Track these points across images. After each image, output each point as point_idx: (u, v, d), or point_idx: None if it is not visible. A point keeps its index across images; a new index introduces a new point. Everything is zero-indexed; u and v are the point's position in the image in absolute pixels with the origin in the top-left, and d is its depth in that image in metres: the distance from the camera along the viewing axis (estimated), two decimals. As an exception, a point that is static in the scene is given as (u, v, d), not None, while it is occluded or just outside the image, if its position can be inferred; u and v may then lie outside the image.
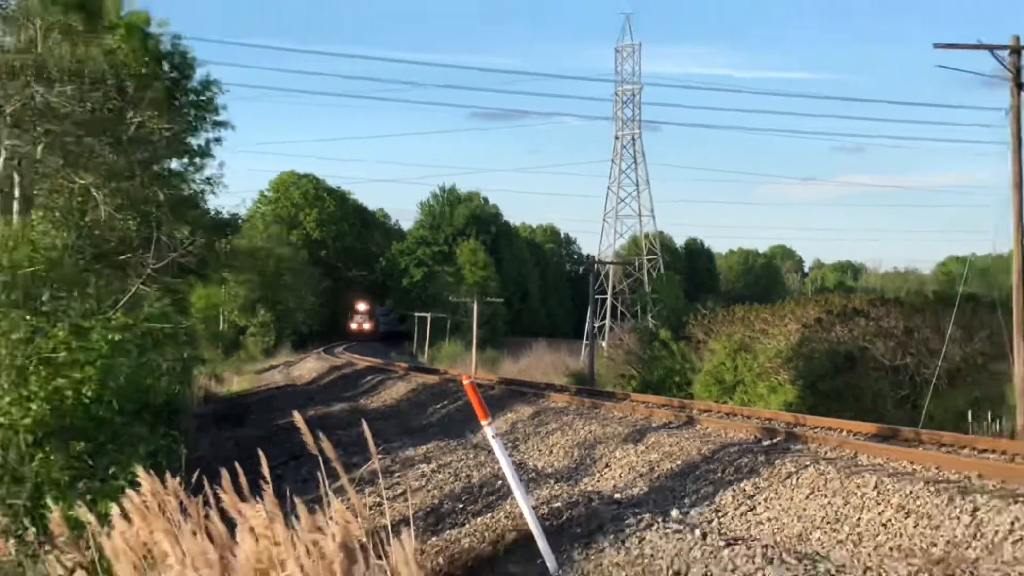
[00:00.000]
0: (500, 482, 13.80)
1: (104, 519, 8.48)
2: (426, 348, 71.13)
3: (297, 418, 9.46)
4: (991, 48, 18.22)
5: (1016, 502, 10.57)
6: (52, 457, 11.65)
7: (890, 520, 10.99)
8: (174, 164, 25.97)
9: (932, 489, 11.75)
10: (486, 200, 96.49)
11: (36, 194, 18.70)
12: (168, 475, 8.52)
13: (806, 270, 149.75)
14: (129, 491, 8.27)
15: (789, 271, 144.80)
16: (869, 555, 10.53)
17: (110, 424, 13.18)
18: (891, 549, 10.59)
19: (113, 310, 14.30)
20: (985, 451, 15.24)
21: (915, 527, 10.65)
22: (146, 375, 14.60)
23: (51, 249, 14.94)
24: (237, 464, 9.38)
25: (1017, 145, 18.55)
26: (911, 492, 11.68)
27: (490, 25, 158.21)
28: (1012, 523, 9.93)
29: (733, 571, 9.11)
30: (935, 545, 10.24)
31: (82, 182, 18.96)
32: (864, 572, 9.10)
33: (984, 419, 21.02)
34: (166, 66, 25.55)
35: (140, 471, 8.46)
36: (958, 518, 10.49)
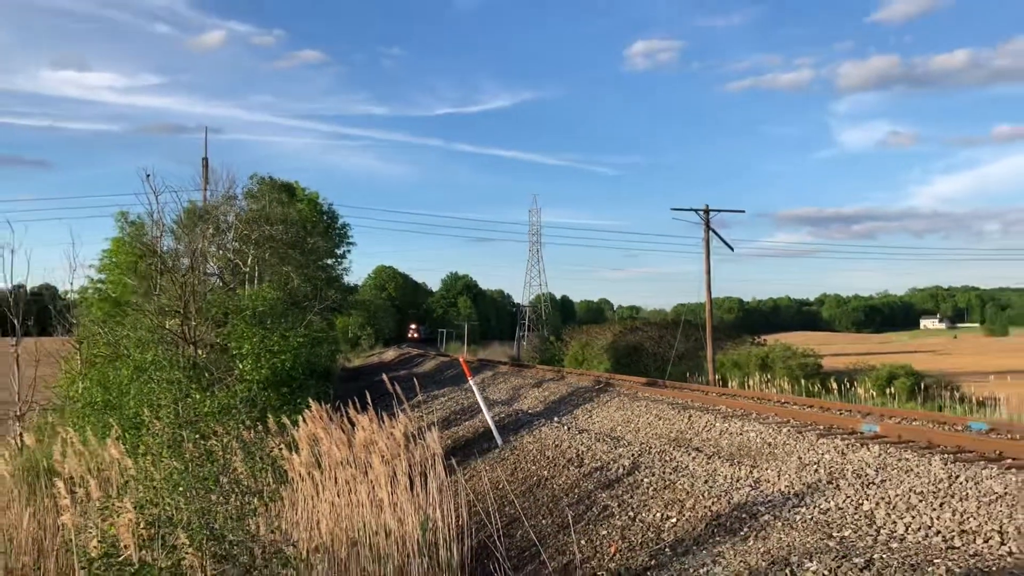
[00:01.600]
0: (476, 407, 19.62)
1: (294, 423, 12.43)
2: (444, 345, 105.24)
3: (385, 377, 15.56)
4: (697, 211, 32.80)
5: (708, 412, 16.01)
6: (270, 394, 16.53)
7: (652, 421, 16.37)
8: (328, 261, 41.81)
9: (671, 406, 17.29)
10: (472, 279, 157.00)
11: (264, 274, 25.96)
12: (323, 403, 13.13)
13: (614, 308, 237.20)
14: (306, 411, 12.51)
15: (609, 309, 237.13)
16: (643, 436, 15.40)
17: (297, 379, 18.33)
18: (654, 434, 15.48)
19: (299, 327, 19.10)
20: (695, 390, 22.30)
21: (663, 423, 15.97)
22: (314, 358, 20.27)
23: (271, 300, 19.90)
24: (356, 398, 13.97)
25: (707, 251, 33.56)
26: (661, 408, 17.21)
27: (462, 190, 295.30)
28: (707, 422, 15.10)
29: (582, 444, 14.54)
30: (671, 431, 15.31)
31: (285, 269, 27.50)
32: (640, 444, 14.10)
33: (694, 378, 33.38)
34: (325, 217, 42.40)
35: (311, 401, 12.79)
36: (683, 419, 15.82)
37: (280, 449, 11.22)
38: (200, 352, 17.96)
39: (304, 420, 12.62)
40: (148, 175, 19.74)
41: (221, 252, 27.07)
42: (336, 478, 10.63)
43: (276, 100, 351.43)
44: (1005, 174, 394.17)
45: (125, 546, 6.35)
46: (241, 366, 17.10)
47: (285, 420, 13.13)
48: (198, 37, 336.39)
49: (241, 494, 7.00)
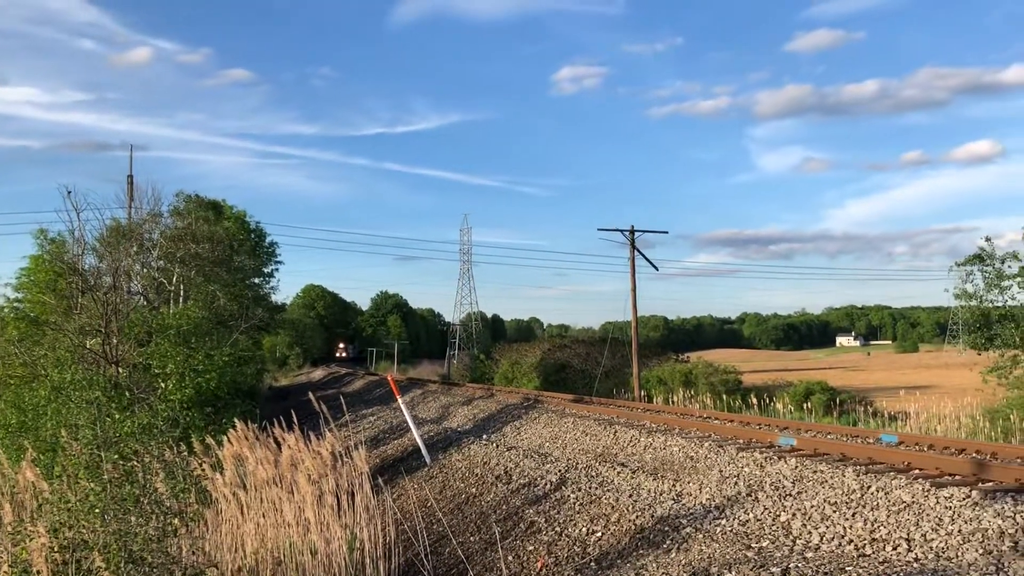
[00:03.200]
0: (405, 425, 19.41)
1: (219, 443, 12.05)
2: (374, 364, 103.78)
3: (311, 396, 16.09)
4: (623, 231, 33.37)
5: (633, 427, 16.01)
6: (194, 414, 15.96)
7: (578, 437, 16.33)
8: (256, 280, 41.38)
9: (597, 422, 17.26)
10: (403, 298, 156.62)
11: (189, 293, 25.30)
12: (249, 422, 12.74)
13: (544, 327, 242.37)
14: (231, 430, 12.10)
15: (539, 328, 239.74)
16: (570, 452, 15.26)
17: (222, 399, 18.06)
18: (580, 450, 15.39)
19: (224, 346, 18.83)
20: (621, 406, 22.58)
21: (589, 439, 15.92)
22: (240, 377, 20.05)
23: (196, 318, 19.42)
24: (283, 418, 15.84)
25: (633, 270, 33.73)
26: (588, 424, 17.21)
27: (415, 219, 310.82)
28: (631, 437, 15.08)
29: (510, 461, 14.59)
30: (598, 447, 15.26)
31: (212, 287, 26.81)
32: (567, 460, 14.09)
33: (620, 395, 34.37)
34: (253, 235, 41.57)
35: (237, 421, 12.45)
36: (608, 435, 15.80)
37: (204, 469, 11.05)
38: (122, 371, 17.42)
39: (229, 440, 12.36)
40: (69, 192, 19.16)
41: (145, 270, 26.38)
42: (262, 498, 10.43)
43: (204, 118, 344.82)
44: (913, 198, 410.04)
45: (38, 571, 6.10)
46: (164, 385, 16.63)
47: (209, 440, 12.74)
48: (124, 54, 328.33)
49: (162, 515, 6.80)
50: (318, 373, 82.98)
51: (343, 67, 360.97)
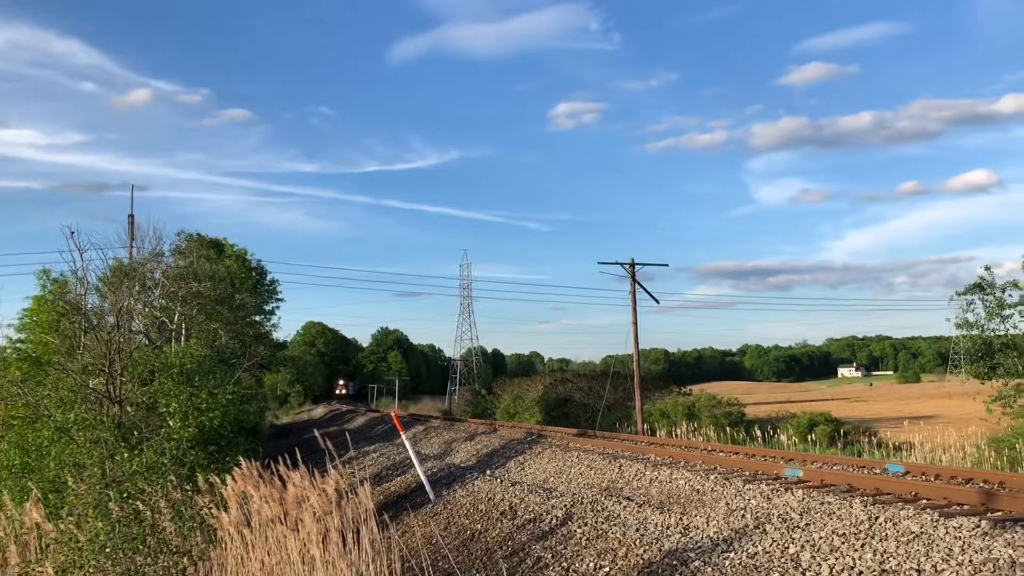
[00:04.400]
0: (408, 462, 19.34)
1: (223, 481, 11.67)
2: (375, 401, 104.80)
3: (316, 433, 15.80)
4: (623, 264, 33.53)
5: (638, 461, 16.11)
6: (198, 452, 15.88)
7: (583, 471, 16.28)
8: (257, 317, 41.11)
9: (602, 456, 17.28)
10: (403, 333, 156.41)
11: (191, 331, 25.38)
12: (252, 460, 12.68)
13: (545, 361, 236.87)
14: (235, 469, 11.88)
15: (539, 362, 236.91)
16: (575, 487, 15.45)
17: (226, 437, 17.99)
18: (585, 484, 15.49)
19: (227, 384, 18.65)
20: (625, 440, 22.74)
21: (594, 473, 16.00)
22: (242, 415, 19.92)
23: (199, 357, 19.42)
24: (286, 455, 13.69)
25: (634, 303, 33.96)
26: (592, 458, 17.20)
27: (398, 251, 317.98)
28: (636, 471, 15.19)
29: (515, 496, 14.39)
30: (603, 481, 15.36)
31: (214, 326, 27.10)
32: (572, 495, 13.96)
33: (623, 428, 33.93)
34: (254, 273, 41.87)
35: (240, 459, 12.30)
36: (613, 468, 15.90)
37: (209, 508, 10.88)
38: (127, 410, 17.39)
39: (233, 478, 12.22)
40: (72, 232, 19.23)
41: (147, 309, 26.40)
42: (267, 536, 10.32)
43: (204, 157, 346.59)
44: (910, 229, 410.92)
45: (47, 612, 6.06)
46: (170, 424, 16.59)
47: (214, 478, 12.42)
48: (124, 95, 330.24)
49: (169, 554, 6.78)
50: (319, 410, 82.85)
51: (342, 105, 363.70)
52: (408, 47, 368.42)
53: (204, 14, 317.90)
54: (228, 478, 12.28)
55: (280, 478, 12.28)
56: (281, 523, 10.70)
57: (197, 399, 17.02)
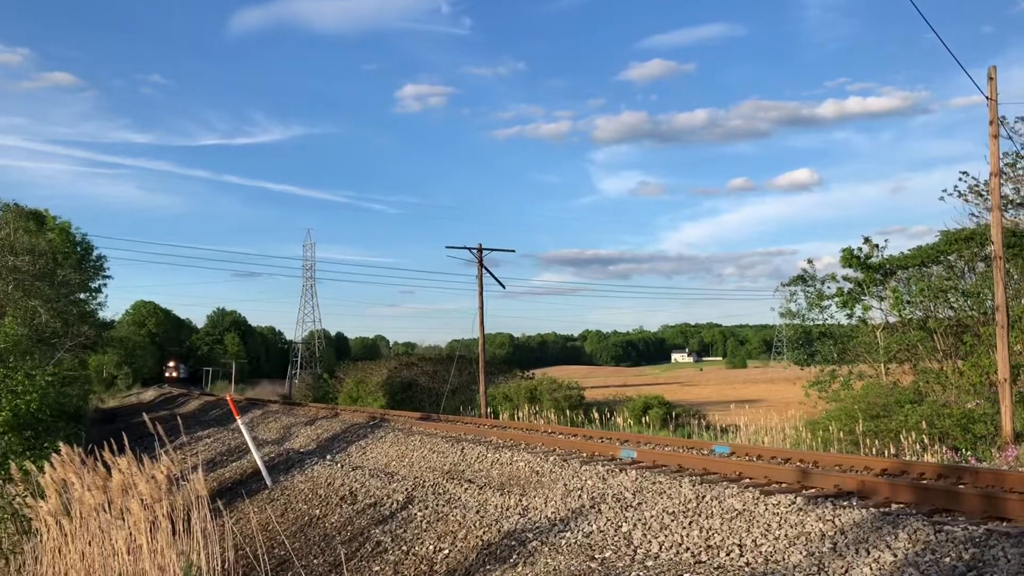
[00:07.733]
0: (244, 447, 18.99)
1: (40, 469, 11.40)
2: (209, 384, 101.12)
3: (146, 417, 15.44)
4: (471, 249, 33.55)
5: (480, 444, 16.20)
6: (12, 438, 15.39)
7: (426, 455, 16.27)
8: (82, 295, 38.69)
9: (445, 440, 17.31)
10: (241, 315, 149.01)
11: (7, 308, 23.67)
12: (74, 446, 12.06)
13: (390, 345, 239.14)
14: (54, 455, 11.27)
15: (385, 346, 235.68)
16: (417, 471, 15.31)
17: (44, 422, 16.89)
18: (428, 468, 15.40)
19: (47, 366, 17.90)
20: (468, 423, 23.09)
21: (436, 457, 15.90)
22: (63, 398, 18.94)
23: (15, 336, 18.32)
24: (112, 441, 15.33)
25: (480, 288, 34.11)
26: (435, 442, 17.19)
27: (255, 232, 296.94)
28: (479, 454, 15.17)
29: (355, 480, 14.30)
30: (445, 464, 15.29)
31: (33, 303, 25.32)
32: (414, 478, 14.05)
33: (467, 412, 34.81)
34: (79, 248, 39.53)
35: (60, 445, 11.55)
36: (456, 452, 15.87)
37: (23, 497, 10.63)
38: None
39: (52, 465, 11.62)
40: None
41: (-43, 284, 24.39)
42: (88, 526, 9.84)
43: (27, 122, 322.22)
44: (740, 222, 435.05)
45: None
46: (-22, 408, 15.43)
47: (29, 465, 11.97)
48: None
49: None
50: (149, 394, 79.19)
51: (177, 75, 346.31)
52: (249, 17, 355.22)
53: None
54: (46, 465, 11.67)
55: (105, 464, 11.61)
56: (106, 512, 10.27)
57: (12, 381, 15.92)
